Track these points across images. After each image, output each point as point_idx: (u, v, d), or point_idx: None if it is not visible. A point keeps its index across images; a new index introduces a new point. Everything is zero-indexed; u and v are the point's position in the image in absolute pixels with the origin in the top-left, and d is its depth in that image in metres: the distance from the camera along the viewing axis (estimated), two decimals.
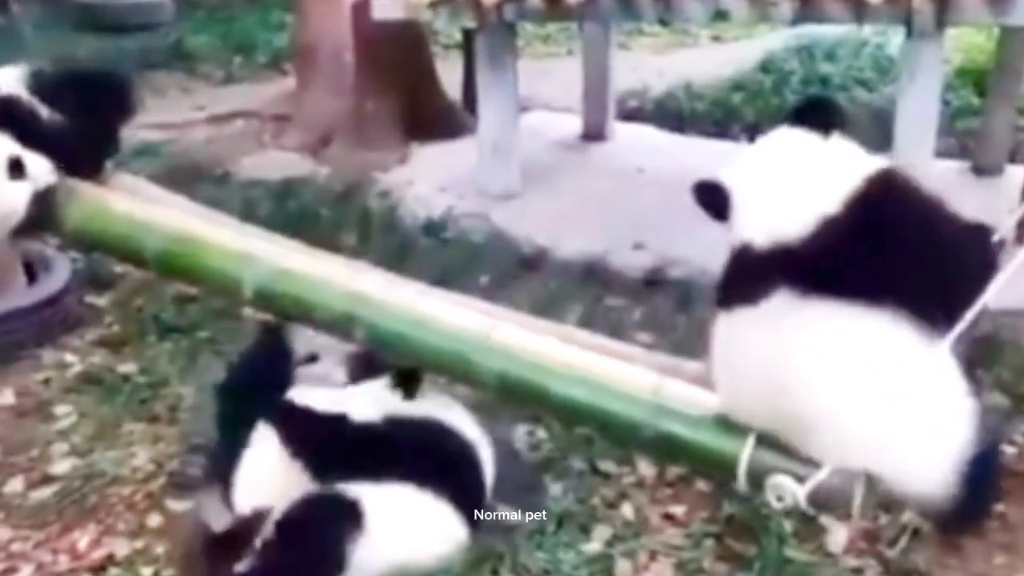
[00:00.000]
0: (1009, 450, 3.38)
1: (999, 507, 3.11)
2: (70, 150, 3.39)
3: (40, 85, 3.24)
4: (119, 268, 4.93)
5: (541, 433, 3.52)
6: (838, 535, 2.98)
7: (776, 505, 2.33)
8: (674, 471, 3.34)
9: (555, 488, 3.25)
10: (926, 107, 4.82)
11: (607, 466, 3.36)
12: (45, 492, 3.32)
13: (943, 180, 5.45)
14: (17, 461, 3.48)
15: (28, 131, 3.19)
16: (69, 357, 4.13)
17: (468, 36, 7.49)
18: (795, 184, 2.26)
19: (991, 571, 2.87)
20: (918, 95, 4.80)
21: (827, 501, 2.35)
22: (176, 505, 3.24)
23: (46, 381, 3.97)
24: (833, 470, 2.29)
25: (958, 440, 2.15)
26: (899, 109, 4.92)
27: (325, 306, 2.80)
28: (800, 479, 2.32)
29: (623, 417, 2.48)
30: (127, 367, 4.00)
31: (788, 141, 2.39)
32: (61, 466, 3.44)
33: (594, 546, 2.97)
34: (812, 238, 2.17)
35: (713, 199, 2.32)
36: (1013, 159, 6.28)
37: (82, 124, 3.43)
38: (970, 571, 2.87)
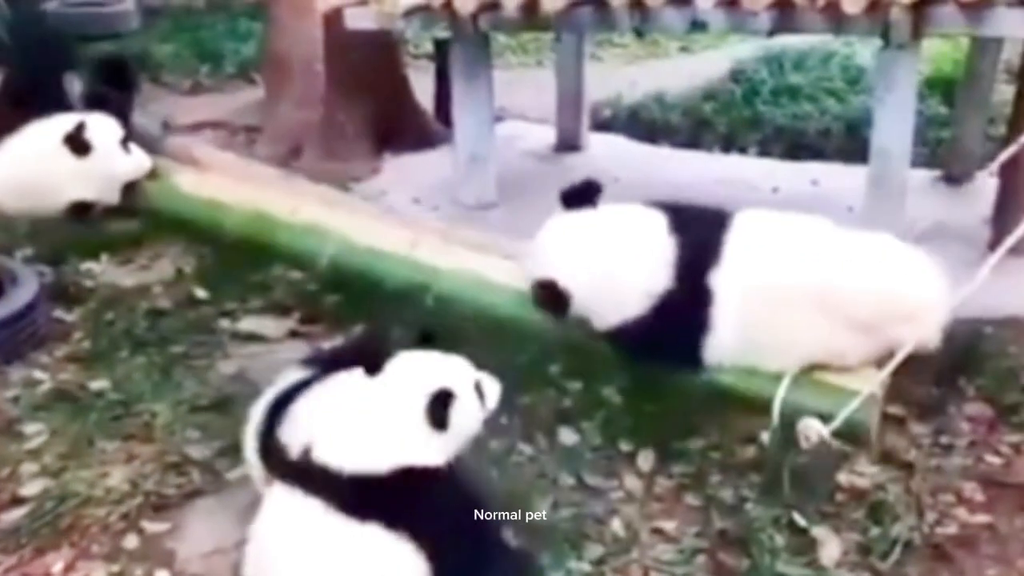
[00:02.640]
0: (995, 460, 3.38)
1: (988, 519, 3.11)
2: None
3: None
4: (88, 282, 4.85)
5: (526, 448, 3.47)
6: (831, 548, 2.96)
7: (804, 444, 2.87)
8: (662, 484, 3.31)
9: (542, 505, 3.20)
10: (902, 118, 4.83)
11: (595, 480, 3.32)
12: (15, 514, 3.21)
13: (916, 189, 5.52)
14: None
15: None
16: (38, 374, 4.01)
17: (440, 46, 7.45)
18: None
19: None
20: (894, 106, 4.80)
21: (849, 432, 2.97)
22: (153, 527, 3.16)
23: (15, 399, 3.86)
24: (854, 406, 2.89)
25: None
26: (876, 120, 4.92)
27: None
28: (824, 419, 2.88)
29: None
30: (99, 383, 3.90)
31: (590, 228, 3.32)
32: (32, 487, 3.33)
33: (583, 565, 2.92)
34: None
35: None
36: (984, 168, 6.33)
37: None
38: None
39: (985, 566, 2.91)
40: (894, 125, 4.84)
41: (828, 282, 3.06)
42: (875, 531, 3.03)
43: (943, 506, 3.17)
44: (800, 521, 3.05)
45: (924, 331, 2.99)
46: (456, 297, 4.08)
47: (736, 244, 3.20)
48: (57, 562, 3.01)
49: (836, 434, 2.75)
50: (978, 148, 6.22)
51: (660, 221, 3.21)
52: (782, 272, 3.08)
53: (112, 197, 4.97)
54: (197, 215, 5.09)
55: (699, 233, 3.23)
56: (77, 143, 4.52)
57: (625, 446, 3.44)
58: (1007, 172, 5.41)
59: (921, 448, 3.38)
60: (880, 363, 3.10)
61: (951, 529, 3.06)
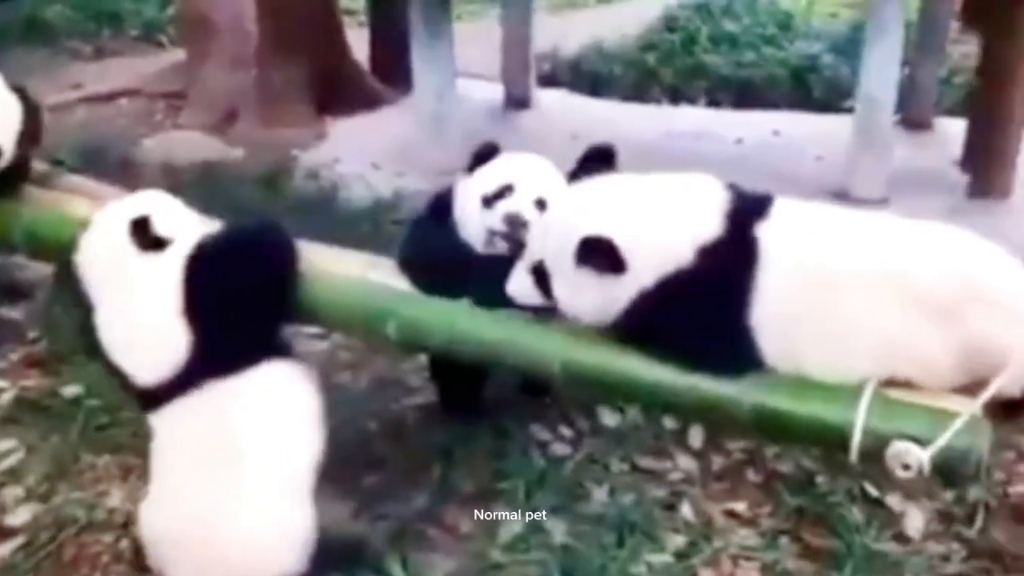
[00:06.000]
0: None
1: None
2: None
3: None
4: (28, 274, 4.34)
5: (566, 430, 3.24)
6: (914, 519, 2.83)
7: (901, 474, 2.24)
8: (718, 462, 3.12)
9: (599, 493, 2.98)
10: (890, 63, 4.73)
11: (647, 462, 3.11)
12: (6, 548, 2.81)
13: None
14: None
15: None
16: None
17: (376, 1, 7.06)
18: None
19: None
20: (883, 51, 4.70)
21: (953, 463, 2.27)
22: None
23: None
24: (957, 429, 2.24)
25: None
26: (864, 66, 4.82)
27: None
28: (920, 443, 2.24)
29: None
30: (71, 389, 3.46)
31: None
32: (20, 515, 2.93)
33: (665, 557, 2.71)
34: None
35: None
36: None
37: None
38: None
39: None
40: (882, 71, 4.74)
41: (894, 261, 2.55)
42: (949, 496, 2.91)
43: (1006, 464, 3.07)
44: (873, 492, 2.91)
45: (1009, 328, 2.50)
46: None
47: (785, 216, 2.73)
48: None
49: (938, 466, 2.29)
50: (935, 92, 6.21)
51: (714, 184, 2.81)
52: (836, 253, 2.59)
53: None
54: None
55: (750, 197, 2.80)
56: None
57: (670, 423, 3.23)
58: (976, 114, 5.40)
59: None
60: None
61: (1023, 488, 2.97)
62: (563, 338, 2.44)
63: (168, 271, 2.51)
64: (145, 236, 2.52)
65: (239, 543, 2.41)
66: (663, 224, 2.44)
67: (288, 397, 2.53)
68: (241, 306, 2.50)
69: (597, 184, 2.51)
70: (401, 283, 2.67)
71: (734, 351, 2.41)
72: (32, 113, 3.21)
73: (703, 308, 2.43)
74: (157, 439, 2.55)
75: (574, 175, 2.71)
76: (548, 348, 2.45)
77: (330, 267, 2.73)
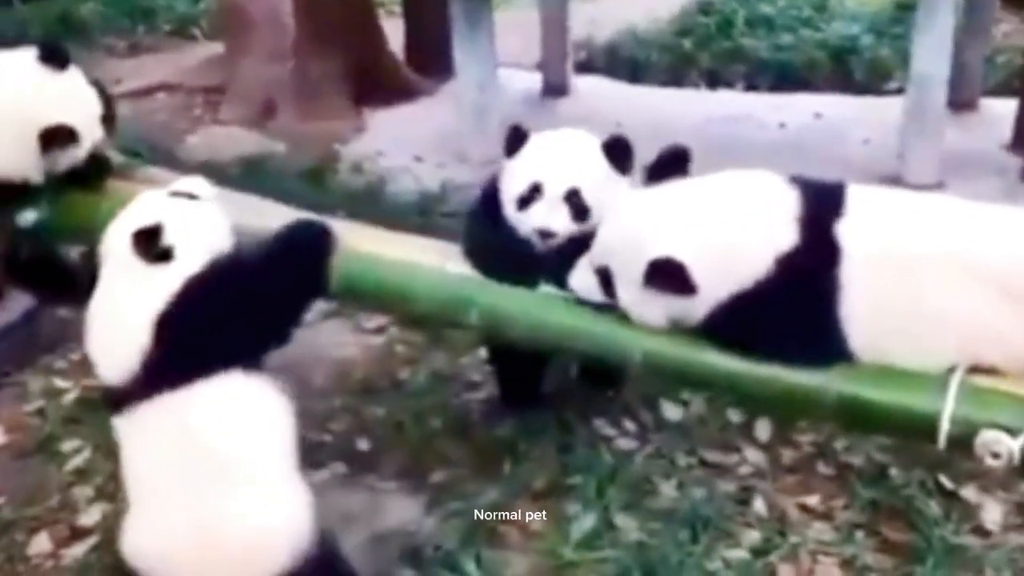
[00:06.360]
0: None
1: None
2: None
3: None
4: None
5: (630, 424, 3.22)
6: (991, 511, 2.79)
7: (990, 463, 2.17)
8: (787, 455, 3.09)
9: (668, 488, 2.96)
10: (942, 42, 4.65)
11: (714, 456, 3.08)
12: (80, 549, 2.84)
13: None
14: (35, 513, 2.97)
15: None
16: (59, 382, 3.58)
17: None
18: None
19: None
20: (935, 30, 4.61)
21: None
22: None
23: (40, 412, 3.44)
24: None
25: None
26: (915, 45, 4.75)
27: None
28: (1011, 432, 2.16)
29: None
30: None
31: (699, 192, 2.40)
32: (91, 515, 2.95)
33: (741, 553, 2.69)
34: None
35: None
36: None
37: None
38: None
39: None
40: (934, 49, 4.66)
41: (970, 244, 2.49)
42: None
43: None
44: (947, 484, 2.87)
45: None
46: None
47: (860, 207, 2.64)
48: None
49: None
50: (981, 73, 6.10)
51: (777, 180, 2.72)
52: (915, 239, 2.53)
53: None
54: None
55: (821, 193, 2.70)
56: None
57: (736, 416, 3.20)
58: None
59: None
60: None
61: None
62: (644, 327, 2.40)
63: (165, 282, 2.34)
64: (149, 249, 2.33)
65: (243, 536, 2.26)
66: (736, 239, 2.36)
67: (250, 396, 2.36)
68: (220, 330, 2.35)
69: (665, 194, 2.43)
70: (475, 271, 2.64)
71: (825, 350, 2.36)
72: (108, 103, 3.17)
73: (788, 315, 2.37)
74: (125, 449, 2.37)
75: (649, 175, 2.65)
76: (629, 337, 2.38)
77: (405, 256, 2.69)
